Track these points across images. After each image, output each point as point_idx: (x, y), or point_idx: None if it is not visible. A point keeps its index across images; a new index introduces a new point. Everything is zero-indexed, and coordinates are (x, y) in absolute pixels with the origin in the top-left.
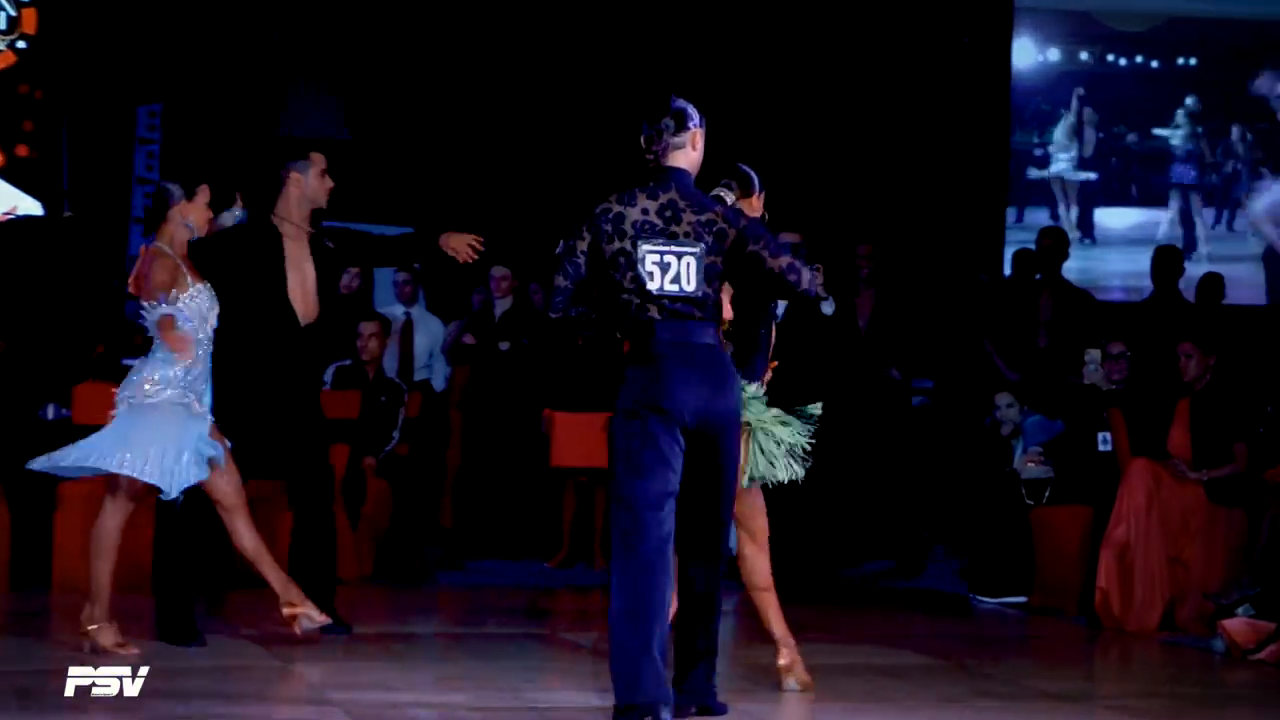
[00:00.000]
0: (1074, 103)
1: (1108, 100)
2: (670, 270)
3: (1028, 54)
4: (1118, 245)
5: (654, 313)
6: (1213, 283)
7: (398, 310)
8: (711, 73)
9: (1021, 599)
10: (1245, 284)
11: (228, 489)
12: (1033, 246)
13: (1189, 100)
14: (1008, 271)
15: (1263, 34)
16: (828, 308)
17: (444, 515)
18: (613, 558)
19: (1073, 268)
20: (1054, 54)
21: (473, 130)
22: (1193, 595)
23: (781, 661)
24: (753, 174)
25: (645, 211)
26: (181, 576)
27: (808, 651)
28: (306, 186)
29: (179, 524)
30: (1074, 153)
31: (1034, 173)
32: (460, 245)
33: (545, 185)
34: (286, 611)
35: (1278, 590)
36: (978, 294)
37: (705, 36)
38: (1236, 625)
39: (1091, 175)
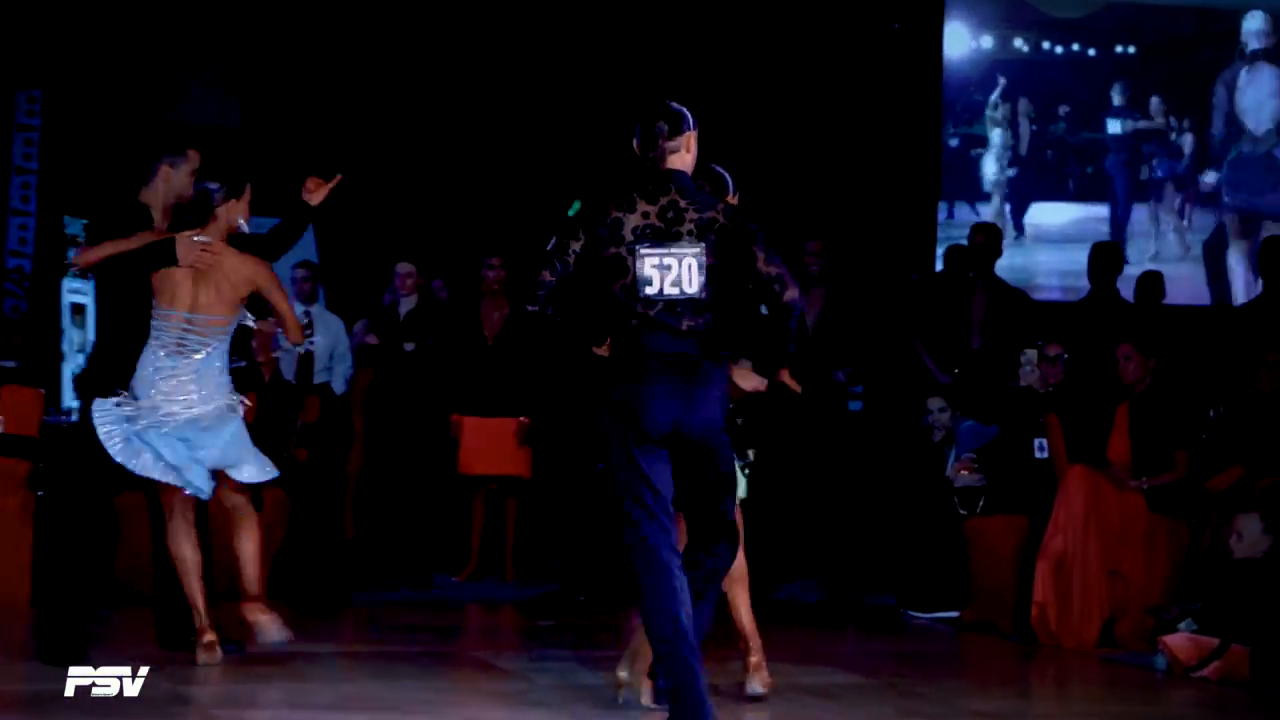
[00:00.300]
0: (1006, 92)
1: (1043, 90)
2: (671, 272)
3: (960, 41)
4: (1054, 242)
5: (644, 320)
6: (1152, 281)
7: (296, 308)
8: (636, 66)
9: (954, 614)
10: (1187, 282)
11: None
12: (965, 243)
13: (1134, 91)
14: (939, 269)
15: (1203, 20)
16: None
17: (345, 526)
18: (637, 572)
19: (1006, 265)
20: (987, 41)
21: (374, 120)
22: (1133, 609)
23: (753, 659)
24: (726, 174)
25: (645, 215)
26: (68, 592)
27: (734, 672)
28: (175, 182)
29: (64, 537)
30: (1006, 145)
31: (965, 165)
32: (312, 185)
33: (449, 177)
34: (206, 639)
35: (1220, 604)
36: (908, 293)
37: (625, 28)
38: (1178, 641)
39: (1025, 169)
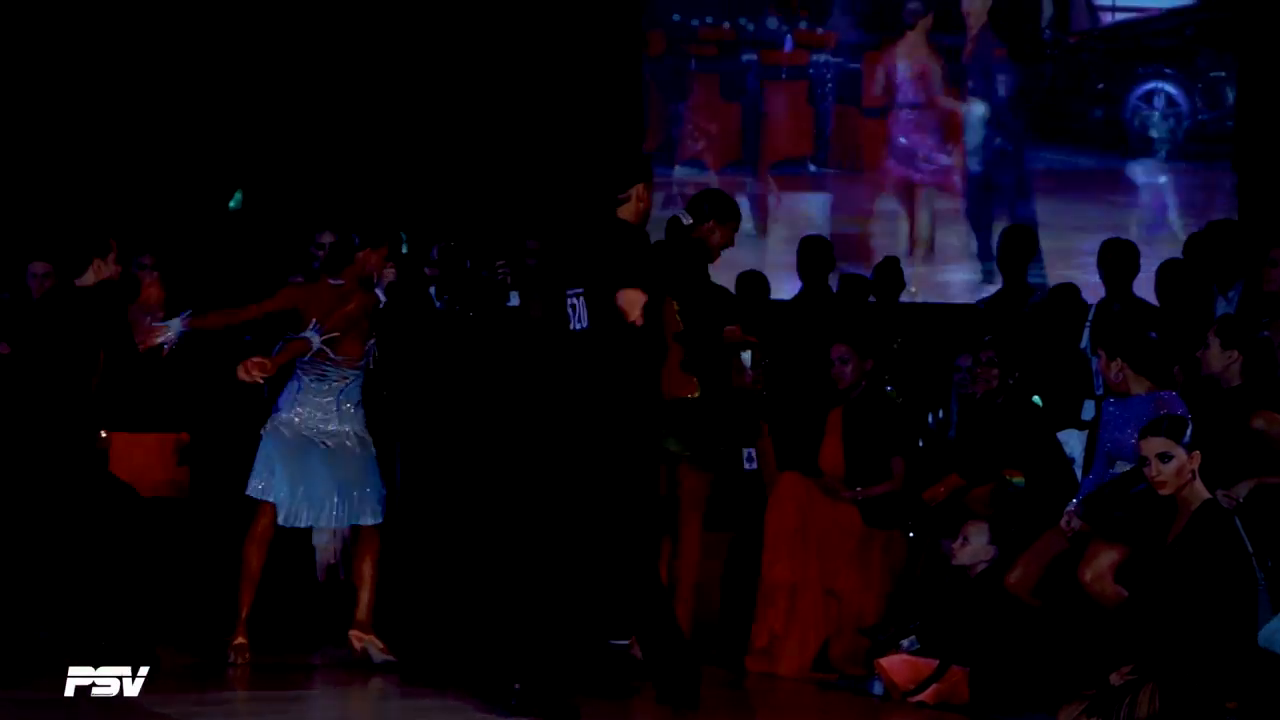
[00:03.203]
0: None
1: None
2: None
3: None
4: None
5: None
6: (855, 279)
7: None
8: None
9: None
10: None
11: None
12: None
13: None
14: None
15: None
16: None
17: None
18: None
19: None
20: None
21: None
22: (846, 630)
23: None
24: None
25: None
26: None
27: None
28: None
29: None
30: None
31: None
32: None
33: (87, 161)
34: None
35: (940, 623)
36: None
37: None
38: (895, 664)
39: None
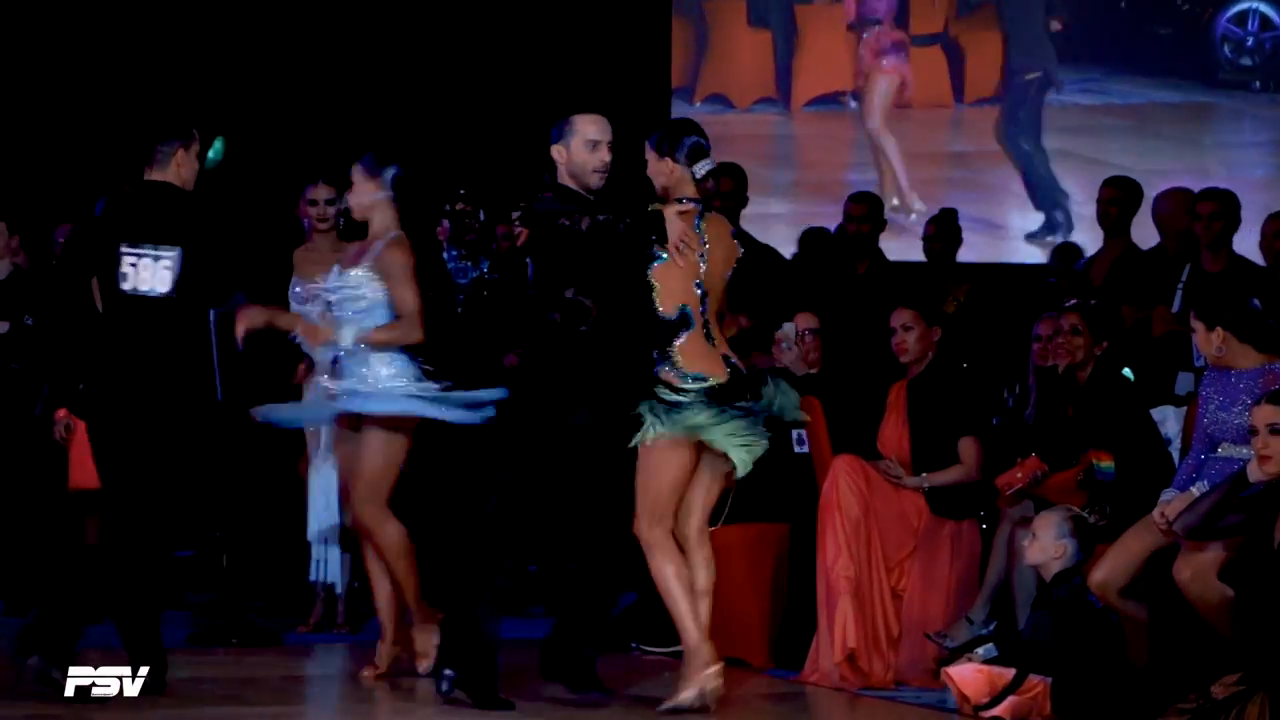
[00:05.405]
0: None
1: None
2: None
3: None
4: None
5: None
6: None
7: None
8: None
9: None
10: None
11: None
12: None
13: None
14: None
15: None
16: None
17: None
18: None
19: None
20: None
21: None
22: (911, 635)
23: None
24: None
25: None
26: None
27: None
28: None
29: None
30: None
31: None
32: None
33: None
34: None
35: (1017, 626)
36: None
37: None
38: (966, 673)
39: None
